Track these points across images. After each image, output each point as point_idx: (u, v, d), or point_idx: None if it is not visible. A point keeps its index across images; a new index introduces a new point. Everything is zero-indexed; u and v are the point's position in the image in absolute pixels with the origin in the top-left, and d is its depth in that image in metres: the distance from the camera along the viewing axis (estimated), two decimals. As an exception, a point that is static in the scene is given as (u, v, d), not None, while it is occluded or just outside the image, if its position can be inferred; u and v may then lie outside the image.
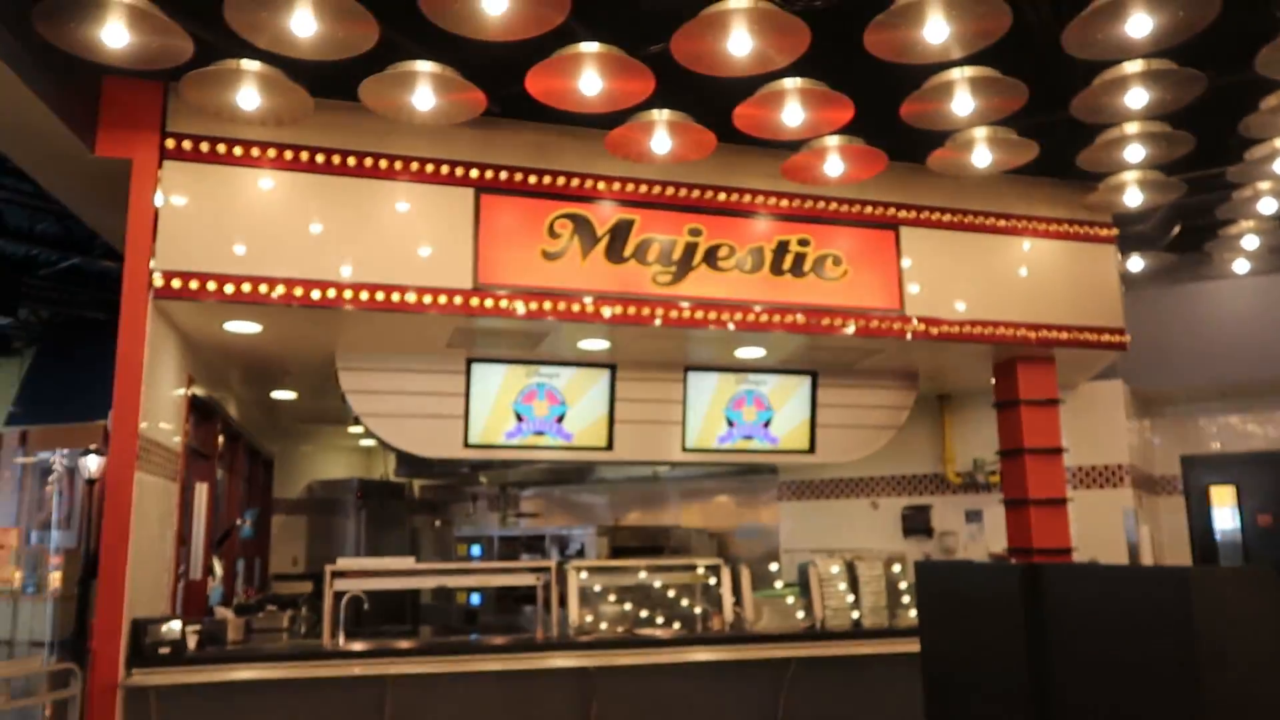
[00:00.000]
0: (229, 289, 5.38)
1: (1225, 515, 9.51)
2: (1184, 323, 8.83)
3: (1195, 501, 9.56)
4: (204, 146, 5.47)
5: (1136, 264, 8.19)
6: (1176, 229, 7.68)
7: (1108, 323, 7.09)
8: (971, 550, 8.75)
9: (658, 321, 6.11)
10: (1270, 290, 8.66)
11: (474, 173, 5.89)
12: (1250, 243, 7.56)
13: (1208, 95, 4.99)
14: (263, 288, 5.44)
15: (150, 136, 5.44)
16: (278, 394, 8.64)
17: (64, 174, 5.86)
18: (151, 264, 5.32)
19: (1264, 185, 6.48)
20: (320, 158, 5.63)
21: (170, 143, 5.45)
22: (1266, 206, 6.65)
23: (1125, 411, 8.49)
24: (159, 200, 5.38)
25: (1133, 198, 6.37)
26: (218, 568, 8.01)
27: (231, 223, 5.48)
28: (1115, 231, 7.22)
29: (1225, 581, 3.35)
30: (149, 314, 5.35)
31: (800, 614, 6.57)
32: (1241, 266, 8.33)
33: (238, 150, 5.51)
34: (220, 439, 8.28)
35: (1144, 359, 8.29)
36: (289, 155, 5.59)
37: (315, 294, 5.53)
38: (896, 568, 6.84)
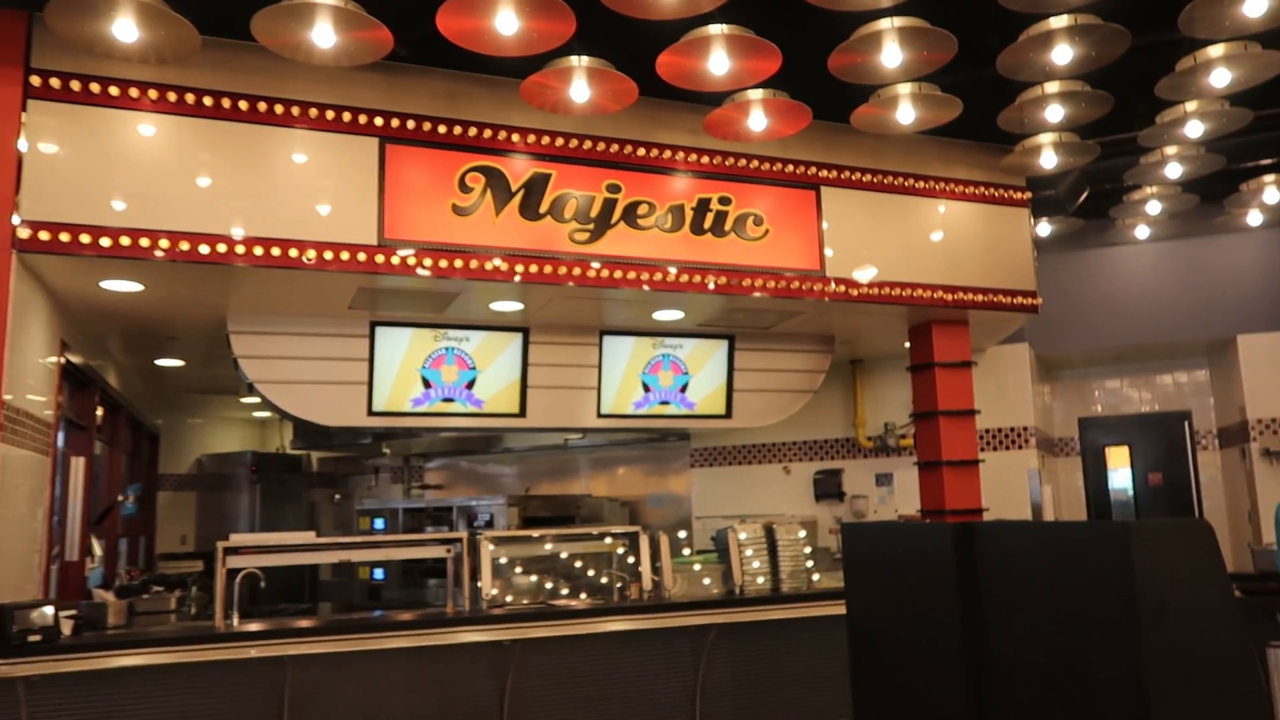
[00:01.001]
0: (105, 242, 4.88)
1: (1119, 475, 9.86)
2: (1086, 288, 9.05)
3: (1091, 462, 9.88)
4: (75, 85, 4.94)
5: (1044, 229, 8.32)
6: (1085, 194, 7.80)
7: (1020, 286, 7.16)
8: (882, 513, 8.84)
9: (572, 283, 5.85)
10: (1167, 256, 8.94)
11: (379, 121, 5.50)
12: (1153, 208, 7.73)
13: (1128, 56, 5.00)
14: (144, 242, 4.96)
15: (12, 73, 4.88)
16: (163, 361, 8.05)
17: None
18: (15, 215, 4.78)
19: (1171, 150, 6.60)
20: (209, 100, 5.16)
21: (35, 80, 4.90)
22: (1172, 171, 6.78)
23: (1032, 375, 8.66)
24: (23, 145, 4.83)
25: (1048, 160, 6.40)
26: (97, 548, 7.44)
27: (108, 171, 4.97)
28: (1029, 195, 7.29)
29: (1163, 533, 3.34)
30: (12, 270, 4.81)
31: (706, 580, 6.46)
32: (1143, 232, 8.55)
33: (114, 90, 5.00)
34: (99, 410, 7.67)
35: (1047, 323, 8.46)
36: (173, 97, 5.10)
37: (204, 249, 5.08)
38: (802, 533, 6.78)
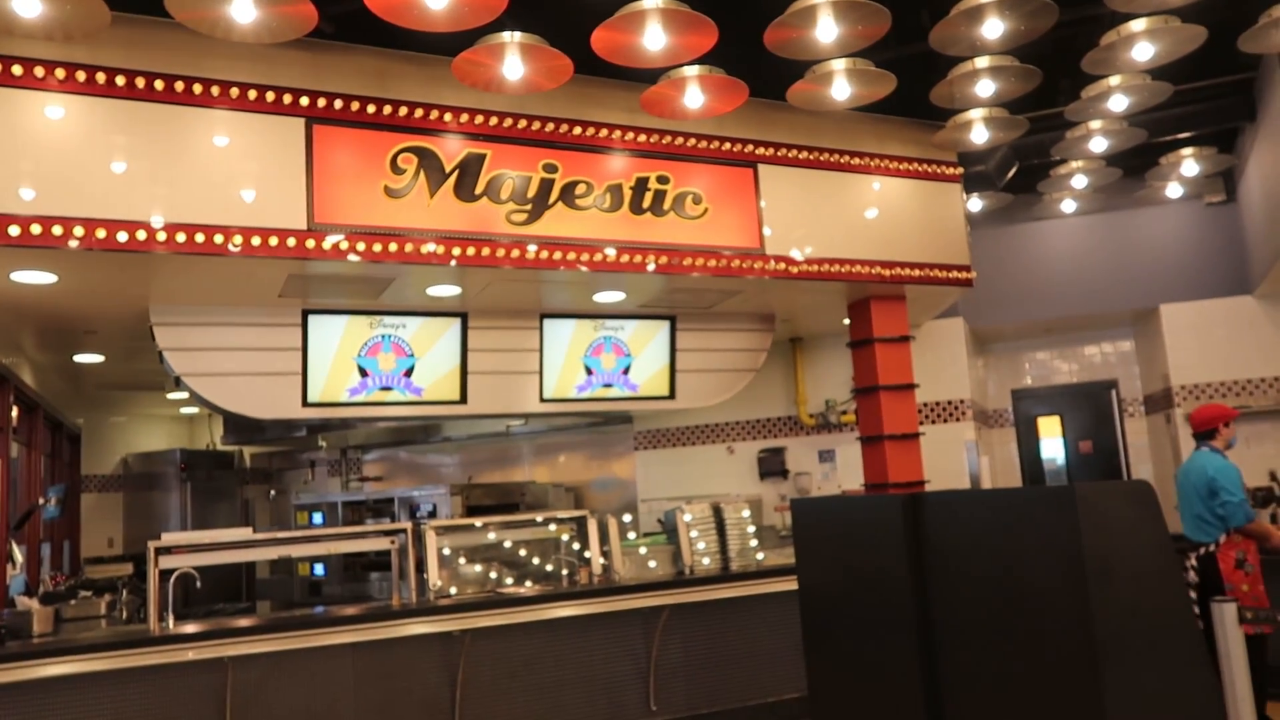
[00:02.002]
0: (14, 231, 4.62)
1: (1051, 444, 10.11)
2: (1015, 262, 9.23)
3: (1024, 432, 10.11)
4: (-27, 65, 4.65)
5: (975, 204, 8.44)
6: (1014, 169, 7.94)
7: (955, 260, 7.26)
8: (826, 489, 8.92)
9: (509, 265, 5.74)
10: (1093, 229, 9.16)
11: (304, 100, 5.31)
12: (1079, 182, 7.90)
13: (1055, 31, 5.07)
14: (56, 230, 4.71)
15: (-98, 51, 4.59)
16: (82, 357, 7.71)
17: None
18: (-87, 203, 4.50)
19: (1096, 124, 6.73)
20: (121, 80, 4.91)
21: (-71, 59, 4.61)
22: (1097, 145, 6.92)
23: (966, 349, 8.81)
24: (-81, 128, 4.55)
25: (979, 135, 6.48)
26: (18, 554, 7.11)
27: (14, 156, 4.70)
28: (961, 170, 7.38)
29: (1107, 496, 3.40)
30: (-87, 262, 4.54)
31: (653, 563, 6.45)
32: (1069, 206, 8.74)
33: (17, 69, 4.72)
34: (14, 410, 7.32)
35: (980, 298, 8.62)
36: (83, 77, 4.84)
37: (122, 236, 4.84)
38: (746, 512, 6.80)
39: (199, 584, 5.32)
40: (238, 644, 4.97)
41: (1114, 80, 5.96)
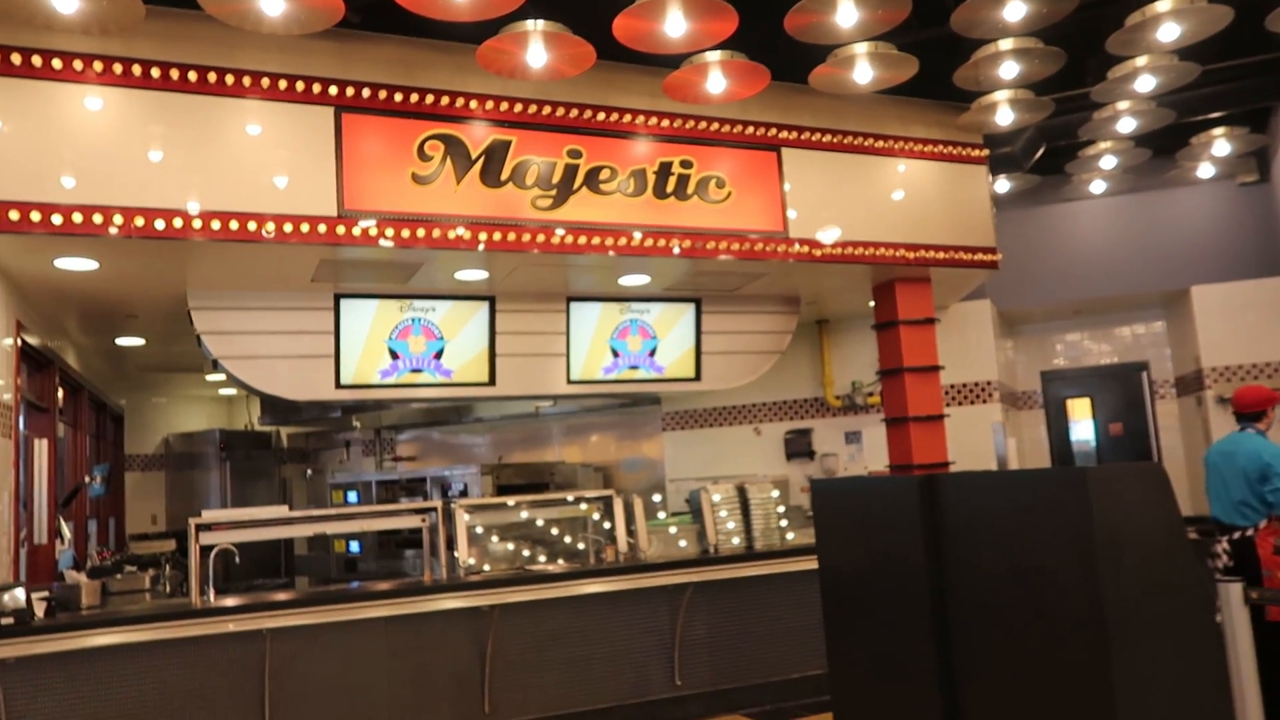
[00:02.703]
0: (57, 219, 4.80)
1: (1081, 426, 10.07)
2: (1044, 243, 9.18)
3: (1054, 414, 10.07)
4: (15, 59, 4.81)
5: (1002, 186, 8.40)
6: (1041, 150, 7.89)
7: (980, 242, 7.25)
8: (852, 470, 8.97)
9: (536, 250, 5.84)
10: (1122, 210, 9.08)
11: (333, 90, 5.43)
12: (1108, 163, 7.84)
13: (1079, 12, 5.06)
14: (97, 218, 4.88)
15: (-50, 46, 4.76)
16: (123, 340, 7.94)
17: None
18: (-38, 194, 4.69)
19: (1123, 105, 6.68)
20: (156, 72, 5.06)
21: (-26, 54, 4.77)
22: (1125, 125, 6.87)
23: (994, 330, 8.79)
24: (-34, 121, 4.72)
25: (1004, 117, 6.47)
26: (66, 530, 7.38)
27: (57, 147, 4.87)
28: (986, 152, 7.35)
29: (1119, 478, 3.44)
30: (-37, 251, 4.73)
31: (683, 543, 6.56)
32: (1098, 187, 8.66)
33: (57, 63, 4.88)
34: (60, 392, 7.58)
35: (1008, 279, 8.58)
36: (119, 69, 4.99)
37: (160, 224, 5.00)
38: (774, 493, 6.89)
39: (238, 560, 5.52)
40: (276, 617, 5.15)
41: (1140, 61, 5.91)
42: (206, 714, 5.06)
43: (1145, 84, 6.13)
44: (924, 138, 7.10)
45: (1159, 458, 9.63)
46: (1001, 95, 6.28)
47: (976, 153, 7.31)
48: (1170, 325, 9.65)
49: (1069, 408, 10.08)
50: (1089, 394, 10.02)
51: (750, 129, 6.49)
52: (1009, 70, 5.77)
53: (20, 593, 4.79)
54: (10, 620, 4.67)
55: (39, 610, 4.94)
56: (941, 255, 7.07)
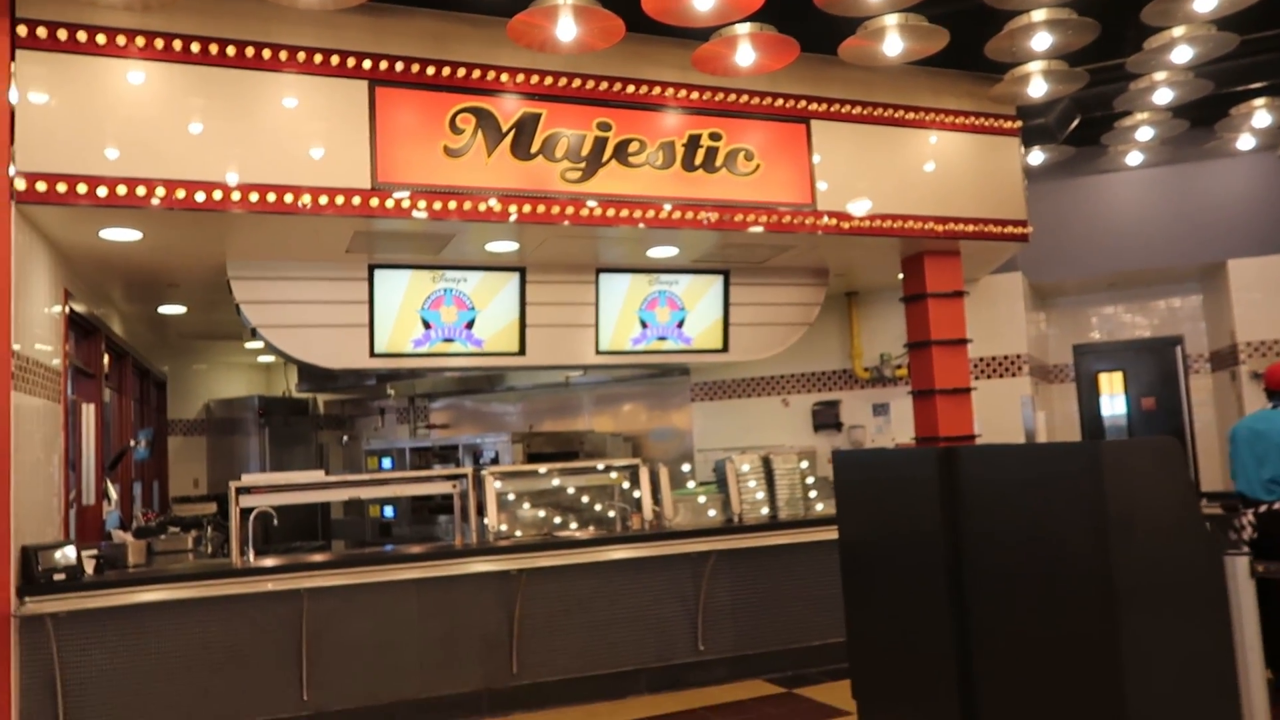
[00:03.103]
0: (102, 192, 4.96)
1: (1112, 401, 10.01)
2: (1078, 216, 9.09)
3: (1085, 388, 10.02)
4: (61, 34, 4.95)
5: (1036, 157, 8.33)
6: (1075, 122, 7.80)
7: (1011, 215, 7.22)
8: (879, 442, 9.00)
9: (566, 222, 5.92)
10: (1158, 182, 8.96)
11: (367, 64, 5.52)
12: (1144, 134, 7.74)
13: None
14: (140, 190, 5.03)
15: (-1, 22, 4.90)
16: (166, 309, 8.16)
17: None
18: (11, 167, 4.85)
19: (1160, 75, 6.59)
20: (196, 46, 5.18)
21: (22, 30, 4.91)
22: (1161, 97, 6.79)
23: (1024, 304, 8.75)
24: (14, 96, 4.88)
25: (1037, 88, 6.41)
26: (113, 491, 7.65)
27: (100, 120, 5.02)
28: (1019, 124, 7.29)
29: (1133, 453, 3.48)
30: (12, 222, 4.90)
31: (713, 511, 6.66)
32: (1134, 159, 8.55)
33: (101, 39, 5.01)
34: (106, 358, 7.82)
35: (1041, 252, 8.53)
36: (160, 44, 5.12)
37: (199, 196, 5.15)
38: (804, 464, 6.97)
39: (276, 522, 5.71)
40: (313, 577, 5.34)
41: (1177, 31, 5.84)
42: (246, 668, 5.28)
43: (1182, 55, 6.05)
44: (955, 109, 7.06)
45: (1191, 433, 9.56)
46: (1035, 67, 6.23)
47: (1009, 124, 7.25)
48: (1206, 299, 9.54)
49: (1101, 381, 10.02)
50: (1122, 368, 9.94)
51: (780, 101, 6.50)
52: (1042, 42, 5.72)
53: (71, 550, 5.01)
54: (62, 576, 4.90)
55: (89, 567, 5.17)
56: (971, 228, 7.05)
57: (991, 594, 3.93)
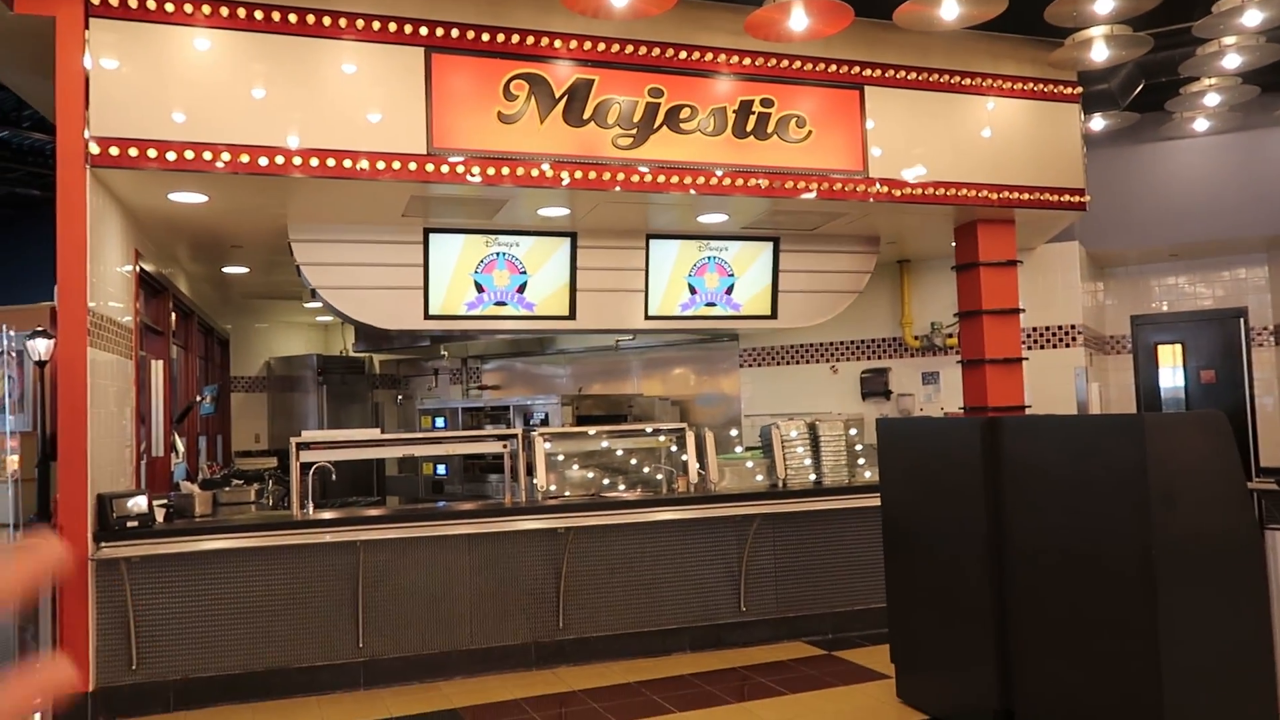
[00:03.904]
0: (171, 156, 5.14)
1: (1171, 373, 9.83)
2: (1141, 184, 8.88)
3: (1143, 360, 9.85)
4: (133, 2, 5.12)
5: (1097, 124, 8.14)
6: (1139, 87, 7.61)
7: (1068, 183, 7.10)
8: (928, 411, 8.98)
9: (618, 188, 5.99)
10: (1226, 150, 8.71)
11: (424, 30, 5.61)
12: (1211, 100, 7.52)
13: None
14: (206, 155, 5.21)
15: (73, -10, 5.07)
16: (229, 269, 8.42)
17: (-18, 34, 5.51)
18: (86, 131, 5.05)
19: (1229, 40, 6.40)
20: (259, 14, 5.31)
21: (95, -1, 5.09)
22: (1230, 62, 6.58)
23: (1080, 273, 8.62)
24: (88, 62, 5.06)
25: (1099, 53, 6.26)
26: (180, 444, 7.97)
27: (169, 86, 5.19)
28: (1079, 90, 7.14)
29: (1177, 426, 3.48)
30: (88, 184, 5.11)
31: (759, 476, 6.75)
32: (1201, 125, 8.32)
33: (169, 7, 5.17)
34: (173, 316, 8.11)
35: (1100, 220, 8.37)
36: (225, 11, 5.26)
37: (263, 161, 5.31)
38: (853, 431, 7.00)
39: (334, 477, 5.93)
40: (369, 530, 5.55)
41: (1248, -6, 5.66)
42: (305, 615, 5.52)
43: (1252, 18, 5.87)
44: (1014, 75, 6.94)
45: (1252, 407, 9.36)
46: (1097, 31, 6.09)
47: (1069, 90, 7.11)
48: (1273, 270, 9.29)
49: (1159, 354, 9.85)
50: (1181, 340, 9.75)
51: (833, 67, 6.46)
52: (1104, 5, 5.60)
53: (143, 500, 5.27)
54: (135, 524, 5.16)
55: (159, 516, 5.44)
56: (1026, 196, 6.96)
57: (1031, 565, 3.97)
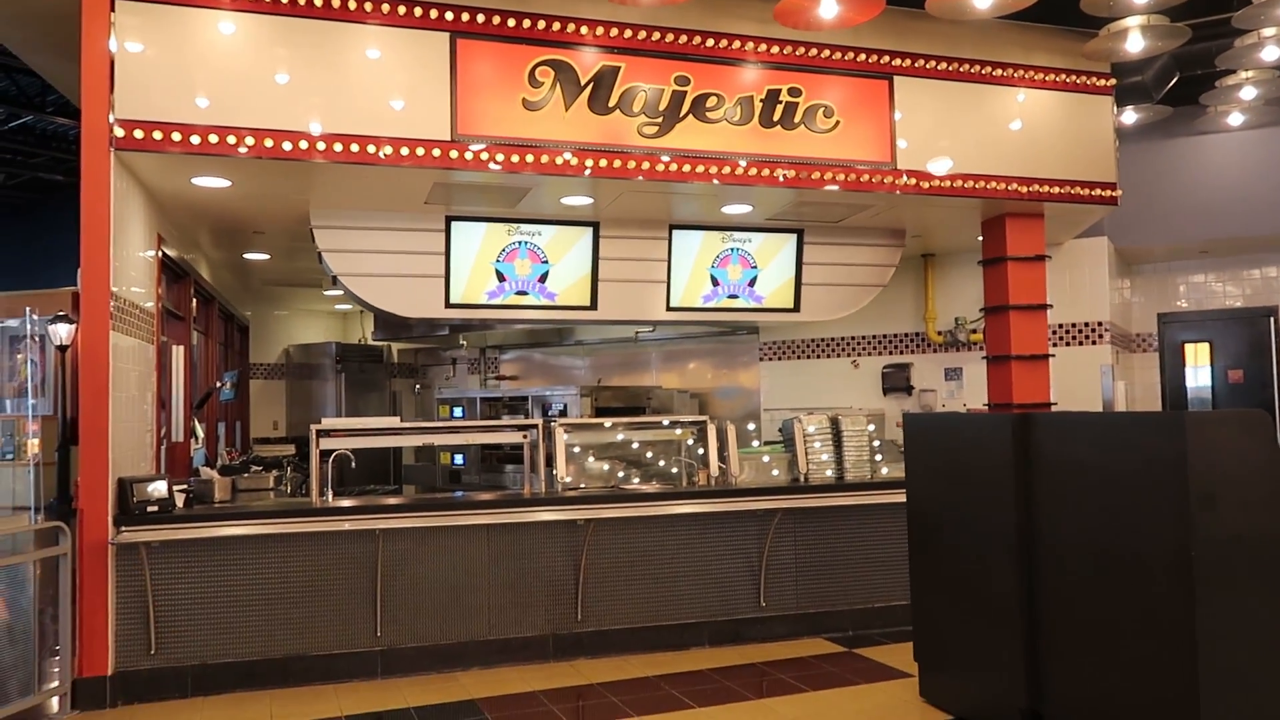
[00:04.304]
0: (195, 140, 5.11)
1: (1197, 372, 9.68)
2: (1171, 178, 8.74)
3: (1170, 358, 9.71)
4: (157, -16, 5.09)
5: (1129, 117, 8.01)
6: (1174, 80, 7.47)
7: (1099, 177, 6.98)
8: (950, 406, 8.88)
9: (641, 177, 5.92)
10: (1259, 145, 8.54)
11: (449, 15, 5.56)
12: (1248, 94, 7.37)
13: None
14: (230, 139, 5.17)
15: (98, -28, 5.05)
16: (250, 255, 8.41)
17: (9, 17, 5.50)
18: (110, 115, 5.03)
19: (1269, 31, 6.26)
20: (284, -2, 5.27)
21: (120, -20, 5.06)
22: (1270, 54, 6.44)
23: (1109, 270, 8.49)
24: (113, 45, 5.03)
25: (1134, 44, 6.14)
26: (199, 430, 7.98)
27: (193, 70, 5.16)
28: (1113, 82, 7.02)
29: (1218, 425, 3.39)
30: (112, 168, 5.10)
31: (775, 471, 6.67)
32: (1236, 120, 8.17)
33: (194, -11, 5.13)
34: (194, 302, 8.11)
35: (1129, 216, 8.24)
36: (250, -6, 5.22)
37: (286, 145, 5.27)
38: (871, 426, 6.92)
39: (354, 465, 5.90)
40: (389, 519, 5.52)
41: (1290, -16, 5.53)
42: (325, 602, 5.50)
43: (1293, 10, 5.73)
44: (1046, 66, 6.82)
45: (1280, 408, 9.22)
46: (1133, 21, 5.96)
47: (1102, 82, 6.98)
48: (1305, 270, 9.12)
49: (1186, 352, 9.70)
50: (1209, 339, 9.61)
51: (862, 56, 6.36)
52: (1142, -5, 5.48)
53: (163, 484, 5.26)
54: (155, 508, 5.15)
55: (179, 501, 5.43)
56: (1057, 190, 6.84)
57: (1063, 564, 3.89)
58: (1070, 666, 3.87)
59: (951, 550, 4.59)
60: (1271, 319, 9.29)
